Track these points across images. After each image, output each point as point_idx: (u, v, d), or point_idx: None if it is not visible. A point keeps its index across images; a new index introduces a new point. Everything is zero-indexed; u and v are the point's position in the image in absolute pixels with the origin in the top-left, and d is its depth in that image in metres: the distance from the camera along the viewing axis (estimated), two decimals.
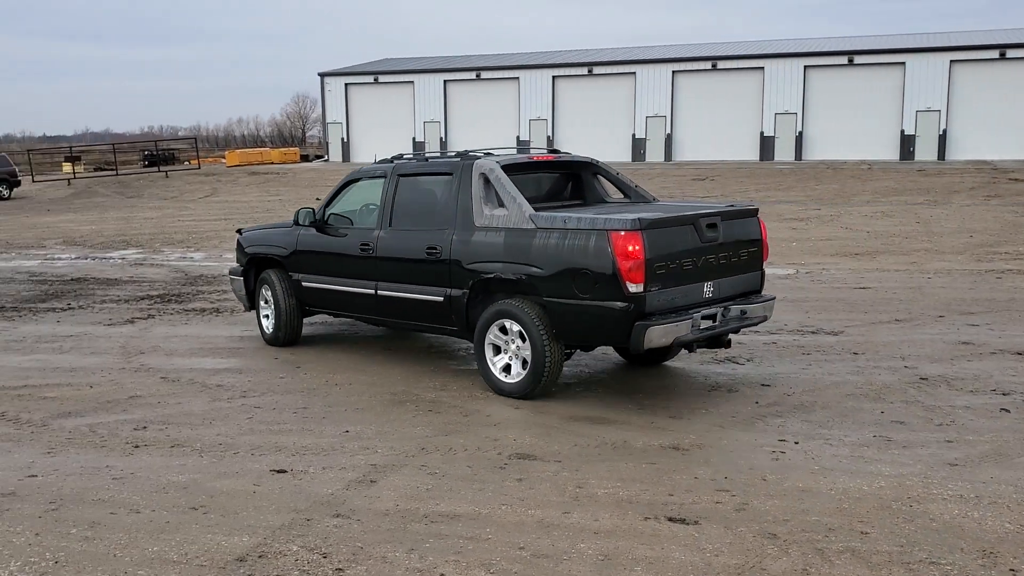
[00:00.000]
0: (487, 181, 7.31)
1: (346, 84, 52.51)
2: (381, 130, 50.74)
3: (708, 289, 6.80)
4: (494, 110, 48.55)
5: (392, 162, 8.26)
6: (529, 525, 4.60)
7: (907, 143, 41.25)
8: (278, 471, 5.44)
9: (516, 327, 6.90)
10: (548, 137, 47.43)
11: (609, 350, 8.21)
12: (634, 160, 45.32)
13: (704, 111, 44.66)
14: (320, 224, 8.57)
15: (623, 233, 6.31)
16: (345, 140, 52.38)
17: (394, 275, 7.85)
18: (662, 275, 6.42)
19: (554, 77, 47.62)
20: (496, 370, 7.11)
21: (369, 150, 51.63)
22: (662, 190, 30.65)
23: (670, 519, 4.66)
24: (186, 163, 55.23)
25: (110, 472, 5.49)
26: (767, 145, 43.64)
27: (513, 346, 6.98)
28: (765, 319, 7.34)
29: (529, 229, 6.89)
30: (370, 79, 52.22)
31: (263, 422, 6.48)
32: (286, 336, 8.95)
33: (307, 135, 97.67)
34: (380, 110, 51.46)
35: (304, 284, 8.74)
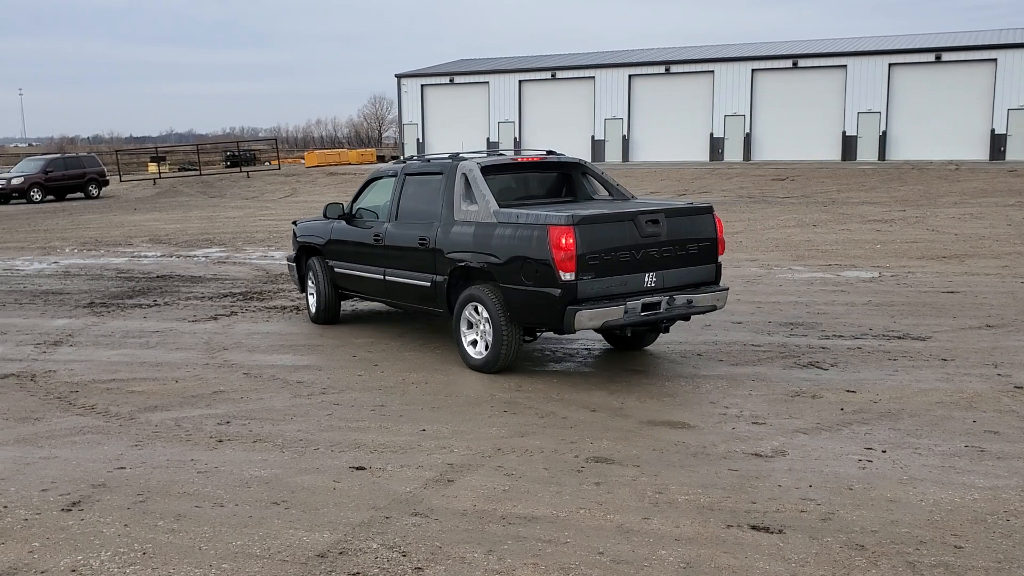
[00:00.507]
0: (467, 180, 8.15)
1: (422, 85, 53.00)
2: (456, 131, 51.07)
3: (650, 279, 7.44)
4: (569, 110, 48.44)
5: (404, 163, 9.26)
6: (608, 530, 4.54)
7: (997, 143, 39.75)
8: (357, 468, 5.49)
9: (483, 311, 7.72)
10: (624, 136, 47.12)
11: (689, 360, 8.09)
12: (711, 160, 44.70)
13: (784, 110, 43.78)
14: (349, 217, 9.68)
15: (558, 227, 7.08)
16: (420, 141, 52.87)
17: (396, 263, 8.88)
18: (595, 265, 7.14)
19: (630, 76, 47.26)
20: (467, 346, 7.98)
21: (443, 150, 52.07)
22: (740, 190, 30.17)
23: (753, 527, 4.55)
24: (266, 164, 56.47)
25: (195, 466, 5.61)
26: (849, 145, 42.56)
27: (481, 327, 7.81)
28: (715, 308, 7.87)
29: (492, 223, 7.73)
30: (446, 80, 52.61)
31: (342, 419, 6.56)
32: (326, 316, 10.14)
33: (383, 136, 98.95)
34: (455, 111, 51.80)
35: (336, 270, 9.93)
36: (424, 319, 10.04)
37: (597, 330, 7.58)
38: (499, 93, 50.68)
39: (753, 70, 44.56)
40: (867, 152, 42.14)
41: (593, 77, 48.15)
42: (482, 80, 51.47)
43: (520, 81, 50.28)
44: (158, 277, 14.15)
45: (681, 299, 7.53)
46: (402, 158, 9.33)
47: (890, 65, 41.75)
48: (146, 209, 30.56)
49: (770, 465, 5.46)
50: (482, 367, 7.85)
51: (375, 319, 10.37)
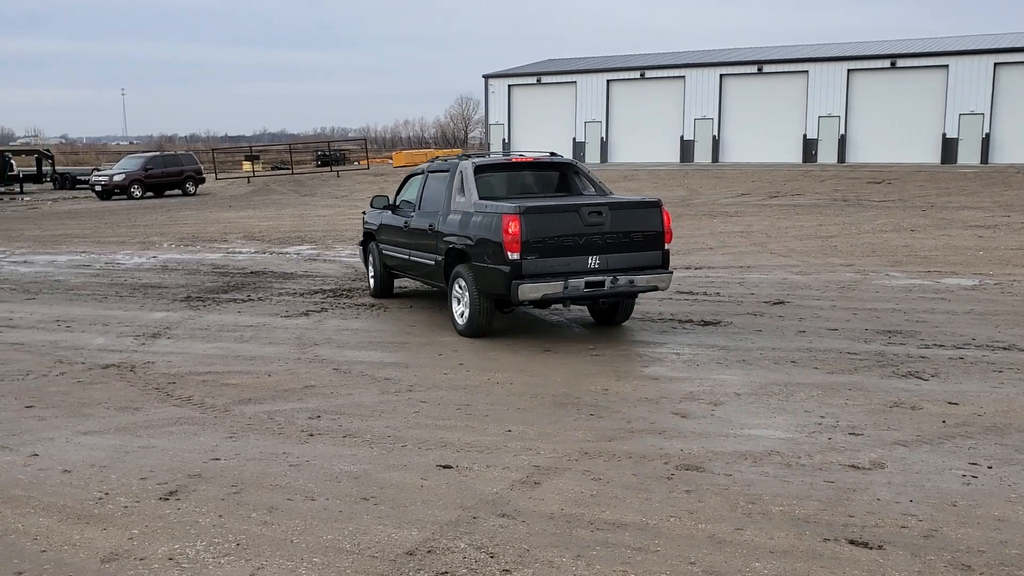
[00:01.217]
0: (462, 176, 9.72)
1: (509, 85, 53.17)
2: (542, 131, 51.09)
3: (593, 262, 8.77)
4: (657, 110, 47.94)
5: (431, 163, 11.08)
6: (700, 539, 4.44)
7: None
8: (444, 466, 5.50)
9: (463, 283, 9.25)
10: (714, 137, 46.41)
11: (782, 367, 7.88)
12: (804, 161, 43.65)
13: (881, 111, 42.45)
14: (393, 207, 11.53)
15: (508, 215, 8.57)
16: (506, 141, 53.05)
17: (416, 245, 10.60)
18: (539, 248, 8.61)
19: (721, 76, 46.51)
20: (456, 316, 9.51)
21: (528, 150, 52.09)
22: (834, 192, 29.36)
23: (851, 542, 4.38)
24: (355, 163, 57.48)
25: (287, 459, 5.70)
26: (949, 147, 41.01)
27: (465, 298, 9.30)
28: (657, 288, 9.10)
29: (471, 212, 9.29)
30: (533, 80, 52.66)
31: (429, 417, 6.58)
32: (379, 291, 11.99)
33: (469, 136, 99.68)
34: (542, 111, 51.81)
35: (384, 251, 11.74)
36: (507, 319, 10.06)
37: (538, 303, 8.96)
38: (586, 93, 50.48)
39: (849, 70, 43.34)
40: (969, 155, 40.54)
41: (683, 77, 47.54)
42: (569, 80, 51.35)
43: (608, 81, 49.98)
44: (251, 273, 14.50)
45: (624, 279, 8.81)
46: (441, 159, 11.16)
47: (995, 64, 40.07)
48: (240, 206, 31.39)
49: (868, 478, 5.26)
50: (463, 332, 9.40)
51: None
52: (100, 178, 37.68)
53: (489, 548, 4.34)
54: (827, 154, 43.70)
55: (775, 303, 10.98)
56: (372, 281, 12.10)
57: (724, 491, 5.08)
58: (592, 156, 50.06)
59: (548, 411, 6.71)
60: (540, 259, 8.64)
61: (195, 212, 28.93)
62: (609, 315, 9.88)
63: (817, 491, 5.05)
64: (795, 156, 44.28)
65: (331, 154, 55.30)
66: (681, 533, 4.51)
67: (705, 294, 11.69)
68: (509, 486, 5.16)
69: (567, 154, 50.35)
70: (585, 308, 10.13)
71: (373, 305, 11.33)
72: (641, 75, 49.01)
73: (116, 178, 36.97)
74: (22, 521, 4.77)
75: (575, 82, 51.03)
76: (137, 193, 36.85)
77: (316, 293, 12.32)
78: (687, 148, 47.29)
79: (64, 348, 9.06)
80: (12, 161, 43.45)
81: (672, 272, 9.32)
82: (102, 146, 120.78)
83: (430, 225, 10.07)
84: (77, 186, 43.29)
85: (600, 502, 4.92)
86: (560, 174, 10.48)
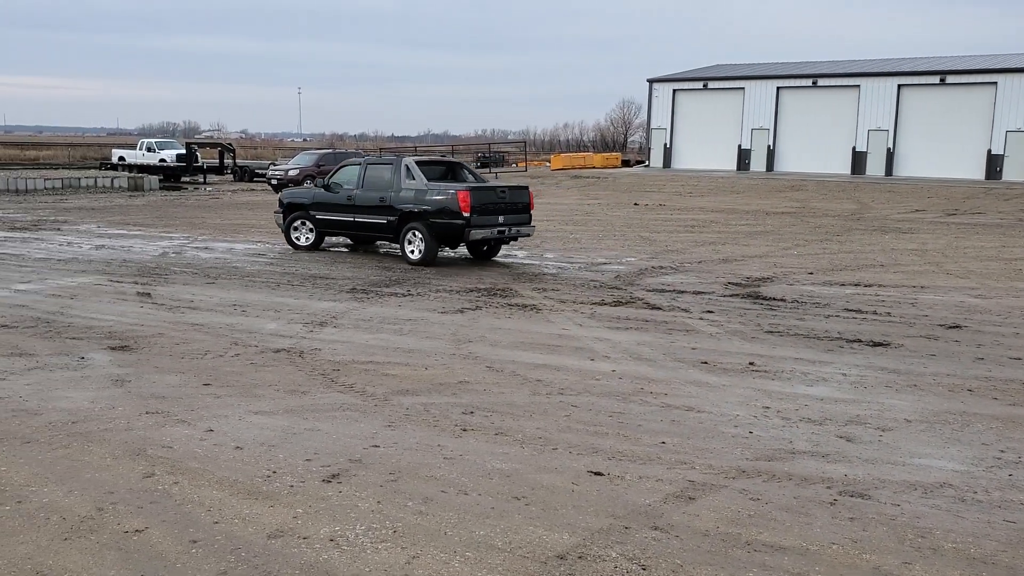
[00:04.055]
0: (408, 167, 15.60)
1: (674, 90, 52.48)
2: (705, 137, 50.19)
3: (500, 219, 15.18)
4: (829, 119, 46.14)
5: (364, 156, 19.37)
6: (863, 570, 4.21)
7: None
8: (595, 473, 5.46)
9: (418, 233, 15.14)
10: (888, 149, 44.27)
11: (958, 395, 7.40)
12: (987, 178, 40.99)
13: None
14: (326, 185, 16.72)
15: (462, 191, 14.71)
16: (668, 146, 52.41)
17: (364, 211, 16.01)
18: (477, 210, 14.74)
19: (899, 86, 44.29)
20: (408, 253, 15.32)
21: (691, 157, 51.26)
22: (1021, 213, 27.37)
23: None
24: (514, 165, 58.22)
25: (442, 451, 5.81)
26: None
27: (415, 243, 15.23)
28: (529, 235, 16.13)
29: (424, 189, 15.20)
30: (699, 85, 51.78)
31: (580, 421, 6.56)
32: (314, 246, 17.22)
33: (628, 140, 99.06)
34: (706, 117, 50.85)
35: (318, 217, 16.87)
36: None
37: (477, 241, 15.29)
38: (754, 100, 49.17)
39: None
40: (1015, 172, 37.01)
41: (858, 86, 45.57)
42: (737, 86, 50.18)
43: (778, 88, 48.52)
44: (412, 269, 14.92)
45: (514, 229, 15.48)
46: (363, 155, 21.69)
47: None
48: None
49: None
50: (418, 263, 15.17)
51: (623, 320, 10.33)
52: (276, 172, 39.75)
53: (641, 560, 4.27)
54: (1013, 171, 40.85)
55: (951, 327, 10.32)
56: (302, 240, 17.17)
57: (891, 521, 4.80)
58: (758, 164, 48.75)
59: (705, 426, 6.55)
60: (478, 217, 14.77)
61: None
62: (488, 254, 16.21)
63: (996, 530, 4.70)
64: (977, 172, 41.69)
65: (491, 156, 56.21)
66: (843, 562, 4.30)
67: (875, 313, 11.13)
68: (662, 499, 5.06)
69: (732, 161, 49.34)
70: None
71: (525, 306, 11.42)
72: (813, 83, 47.30)
73: (291, 173, 38.89)
74: (197, 492, 5.07)
75: (743, 88, 49.81)
76: None
77: (471, 291, 12.53)
78: (859, 159, 45.29)
79: (239, 331, 9.59)
80: (197, 153, 46.53)
81: (535, 226, 16.37)
82: (278, 142, 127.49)
83: (381, 198, 15.61)
84: (255, 179, 45.81)
85: (757, 523, 4.76)
86: (458, 166, 16.72)
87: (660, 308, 11.36)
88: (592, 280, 13.73)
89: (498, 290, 12.65)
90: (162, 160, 47.44)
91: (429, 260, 15.09)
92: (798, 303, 11.82)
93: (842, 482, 5.39)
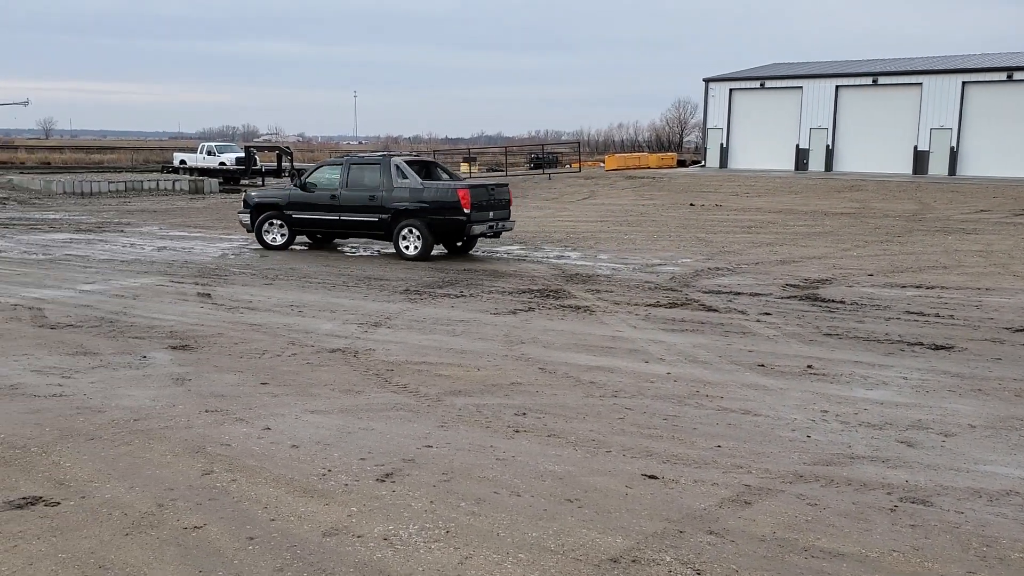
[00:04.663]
0: (398, 167, 16.27)
1: (730, 89, 51.87)
2: (762, 136, 49.51)
3: (491, 215, 16.24)
4: (889, 118, 45.15)
5: (345, 157, 17.84)
6: None
7: None
8: (649, 476, 5.41)
9: (415, 230, 15.93)
10: (951, 148, 43.19)
11: None
12: None
13: None
14: (303, 185, 17.19)
15: (462, 189, 15.73)
16: (724, 146, 51.84)
17: (351, 210, 16.53)
18: (475, 207, 15.73)
19: (964, 83, 43.17)
20: (403, 249, 16.06)
21: (748, 157, 50.64)
22: None
23: None
24: (567, 166, 58.10)
25: (494, 452, 5.82)
26: None
27: (411, 240, 15.99)
28: (510, 230, 17.23)
29: (420, 188, 15.99)
30: (756, 84, 51.10)
31: (634, 424, 6.51)
32: (287, 244, 17.51)
33: (684, 140, 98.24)
34: (763, 116, 50.17)
35: (295, 216, 17.24)
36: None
37: (474, 236, 16.42)
38: (812, 98, 48.35)
39: None
40: None
41: (920, 84, 44.52)
42: (795, 85, 49.40)
43: (837, 86, 47.64)
44: (464, 270, 14.97)
45: (500, 224, 16.54)
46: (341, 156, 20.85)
47: None
48: None
49: None
50: (415, 258, 15.91)
51: (678, 322, 10.24)
52: None
53: (696, 564, 4.22)
54: None
55: (1017, 330, 10.03)
56: (276, 239, 17.40)
57: (954, 529, 4.68)
58: (816, 164, 47.94)
59: (761, 430, 6.45)
60: (475, 212, 15.75)
61: None
62: (464, 248, 17.25)
63: None
64: None
65: (543, 157, 56.15)
66: (905, 570, 4.20)
67: (937, 316, 10.86)
68: (717, 503, 5.00)
69: (789, 161, 48.58)
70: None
71: (579, 308, 11.38)
72: (874, 81, 46.36)
73: None
74: (254, 490, 5.15)
75: (801, 87, 49.02)
76: None
77: (524, 293, 12.53)
78: (921, 159, 44.26)
79: (296, 331, 9.73)
80: (256, 156, 47.34)
81: (514, 221, 17.46)
82: (334, 145, 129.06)
83: (371, 197, 16.24)
84: None
85: (815, 528, 4.67)
86: (433, 165, 17.57)
87: (716, 310, 11.23)
88: (647, 281, 13.64)
89: (551, 291, 12.63)
90: (222, 163, 48.34)
91: (425, 256, 15.95)
92: (857, 305, 11.59)
93: (903, 488, 5.27)
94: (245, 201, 18.11)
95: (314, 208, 16.98)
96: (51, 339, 9.19)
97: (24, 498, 4.99)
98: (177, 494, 5.07)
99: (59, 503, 4.93)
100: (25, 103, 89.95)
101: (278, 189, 19.36)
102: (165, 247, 17.98)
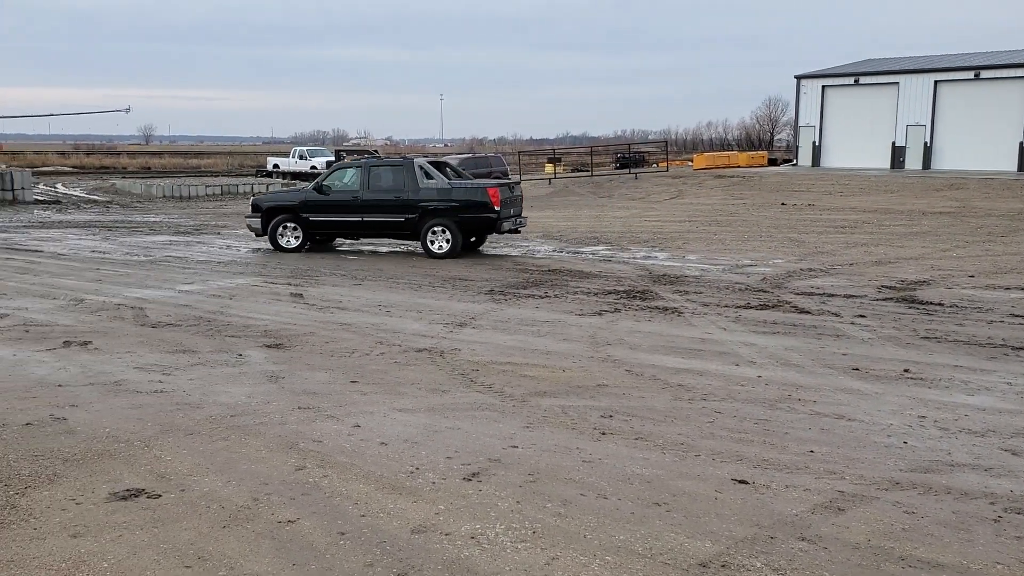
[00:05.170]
0: (423, 168, 16.91)
1: (823, 86, 50.59)
2: (856, 133, 48.12)
3: (511, 212, 17.02)
4: (993, 113, 43.33)
5: (363, 158, 18.84)
6: None
7: None
8: (739, 481, 5.32)
9: (442, 228, 16.51)
10: None
11: None
12: None
13: None
14: (319, 188, 17.39)
15: (491, 188, 16.46)
16: (816, 144, 50.59)
17: (374, 211, 16.93)
18: (503, 203, 16.41)
19: None
20: (432, 248, 16.57)
21: (841, 155, 49.31)
22: None
23: None
24: (654, 166, 57.55)
25: (580, 454, 5.80)
26: None
27: (439, 239, 16.55)
28: (525, 225, 17.98)
29: (447, 188, 16.65)
30: (849, 80, 49.71)
31: (724, 428, 6.41)
32: (299, 247, 17.60)
33: (775, 139, 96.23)
34: (857, 113, 48.77)
35: (312, 219, 17.49)
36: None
37: (503, 231, 16.84)
38: (909, 94, 46.77)
39: None
40: None
41: None
42: (891, 81, 47.88)
43: (936, 81, 45.97)
44: (549, 271, 14.97)
45: (519, 220, 17.31)
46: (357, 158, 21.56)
47: None
48: (540, 207, 32.54)
49: None
50: (444, 256, 16.48)
51: (769, 324, 10.04)
52: None
53: (787, 571, 4.12)
54: None
55: None
56: (291, 242, 17.55)
57: None
58: (913, 162, 46.38)
59: (856, 435, 6.27)
60: (502, 209, 16.43)
61: None
62: (475, 245, 17.92)
63: None
64: None
65: (630, 156, 55.74)
66: None
67: None
68: (810, 509, 4.88)
69: (885, 159, 47.10)
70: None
71: (667, 309, 11.25)
72: (975, 75, 44.56)
73: None
74: (345, 486, 5.25)
75: (897, 83, 47.47)
76: None
77: (610, 294, 12.46)
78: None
79: (384, 331, 9.88)
80: (346, 160, 48.34)
81: (527, 217, 18.40)
82: (421, 147, 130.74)
83: (396, 197, 16.71)
84: None
85: (913, 537, 4.51)
86: (443, 165, 18.00)
87: (809, 312, 10.97)
88: (737, 283, 13.41)
89: (638, 292, 12.53)
90: (313, 167, 49.49)
91: (454, 253, 16.42)
92: (957, 308, 11.16)
93: (1007, 498, 5.05)
94: (254, 205, 18.21)
95: (333, 210, 17.21)
96: (152, 337, 9.55)
97: (128, 490, 5.19)
98: (271, 488, 5.21)
99: (160, 495, 5.12)
100: (127, 110, 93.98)
101: (288, 193, 19.42)
102: (259, 248, 18.49)
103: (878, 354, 8.75)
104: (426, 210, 16.50)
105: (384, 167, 17.25)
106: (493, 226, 16.50)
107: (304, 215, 17.50)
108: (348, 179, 17.31)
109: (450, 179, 17.26)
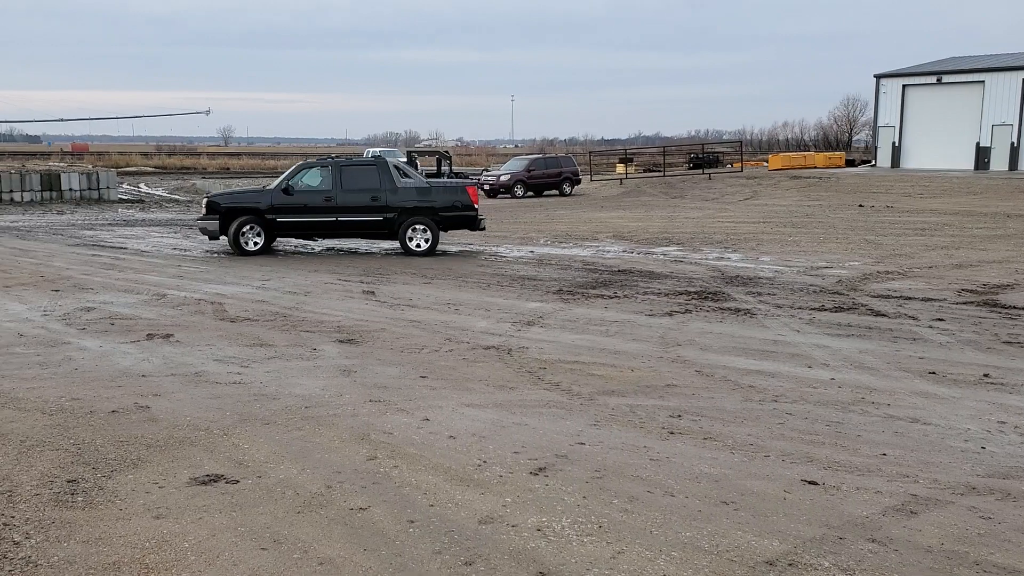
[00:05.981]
0: (398, 167, 17.54)
1: (903, 85, 49.32)
2: (938, 135, 46.80)
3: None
4: None
5: (330, 159, 17.70)
6: None
7: None
8: (809, 482, 5.26)
9: (422, 226, 17.02)
10: None
11: None
12: None
13: None
14: (285, 190, 16.98)
15: (469, 187, 17.65)
16: (896, 144, 49.34)
17: (349, 211, 16.89)
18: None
19: None
20: (411, 246, 17.04)
21: (922, 156, 48.00)
22: None
23: None
24: (728, 166, 56.80)
25: (647, 452, 5.81)
26: None
27: (418, 236, 17.08)
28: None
29: (426, 187, 17.49)
30: (932, 79, 48.36)
31: (794, 429, 6.34)
32: (262, 249, 17.24)
33: (853, 139, 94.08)
34: (939, 113, 47.41)
35: (280, 220, 17.05)
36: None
37: (481, 229, 17.87)
38: (995, 93, 45.26)
39: None
40: None
41: None
42: (976, 79, 46.41)
43: None
44: (619, 271, 14.93)
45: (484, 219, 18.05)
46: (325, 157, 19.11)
47: None
48: (611, 207, 32.45)
49: None
50: (425, 253, 16.92)
51: (843, 327, 9.87)
52: (488, 178, 41.04)
53: (856, 571, 4.08)
54: None
55: None
56: (257, 244, 17.12)
57: None
58: (999, 163, 44.89)
59: (931, 439, 6.14)
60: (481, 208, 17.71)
61: (569, 211, 30.40)
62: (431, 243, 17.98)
63: None
64: None
65: (704, 156, 55.13)
66: None
67: None
68: (881, 511, 4.81)
69: (968, 160, 45.72)
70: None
71: (739, 310, 11.14)
72: None
73: (502, 178, 40.05)
74: (415, 476, 5.36)
75: (982, 81, 46.00)
76: (520, 192, 39.63)
77: (681, 294, 12.38)
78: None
79: (453, 328, 10.01)
80: (417, 161, 48.85)
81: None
82: (491, 148, 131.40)
83: (373, 198, 16.85)
84: None
85: (988, 543, 4.41)
86: (406, 164, 19.60)
87: (885, 315, 10.74)
88: (811, 284, 13.19)
89: (709, 293, 12.43)
90: None
91: (433, 250, 17.09)
92: None
93: None
94: (210, 206, 17.34)
95: (304, 211, 16.88)
96: (231, 331, 9.84)
97: (208, 475, 5.39)
98: (344, 477, 5.35)
99: (238, 481, 5.30)
100: (207, 112, 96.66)
101: (247, 193, 18.90)
102: (332, 247, 18.87)
103: (956, 358, 8.53)
104: (405, 209, 16.94)
105: (356, 167, 17.32)
106: (473, 223, 17.31)
107: (270, 217, 17.01)
108: (318, 180, 17.09)
109: (411, 178, 17.86)
